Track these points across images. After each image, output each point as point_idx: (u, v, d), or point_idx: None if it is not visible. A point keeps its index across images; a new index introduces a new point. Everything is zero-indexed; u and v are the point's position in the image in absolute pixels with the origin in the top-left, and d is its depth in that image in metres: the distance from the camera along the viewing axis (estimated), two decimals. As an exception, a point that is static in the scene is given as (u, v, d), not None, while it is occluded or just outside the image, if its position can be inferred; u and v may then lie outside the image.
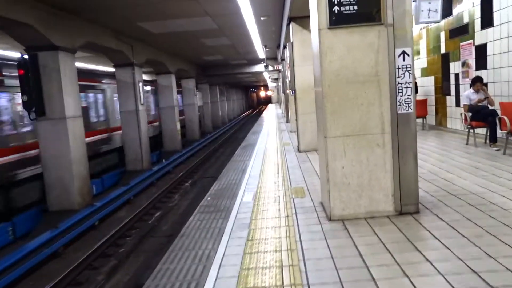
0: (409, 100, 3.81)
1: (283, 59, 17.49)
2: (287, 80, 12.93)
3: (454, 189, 4.71)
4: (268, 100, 68.77)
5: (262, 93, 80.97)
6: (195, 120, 23.03)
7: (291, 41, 8.67)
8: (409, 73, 3.79)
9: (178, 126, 18.71)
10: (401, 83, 3.80)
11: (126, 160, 14.01)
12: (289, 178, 6.15)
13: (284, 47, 13.53)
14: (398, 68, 3.78)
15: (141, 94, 13.85)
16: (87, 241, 7.99)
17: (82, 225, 8.31)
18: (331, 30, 3.79)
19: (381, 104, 3.81)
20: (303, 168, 6.89)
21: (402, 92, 3.80)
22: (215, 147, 21.64)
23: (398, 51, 3.78)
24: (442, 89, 9.92)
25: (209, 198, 5.40)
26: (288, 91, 13.56)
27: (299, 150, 8.80)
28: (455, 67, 9.15)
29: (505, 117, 6.30)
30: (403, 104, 3.81)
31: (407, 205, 3.93)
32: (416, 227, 3.60)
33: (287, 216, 4.24)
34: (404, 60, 3.78)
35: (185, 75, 22.55)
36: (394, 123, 3.83)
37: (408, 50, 3.78)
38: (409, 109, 3.82)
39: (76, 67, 9.73)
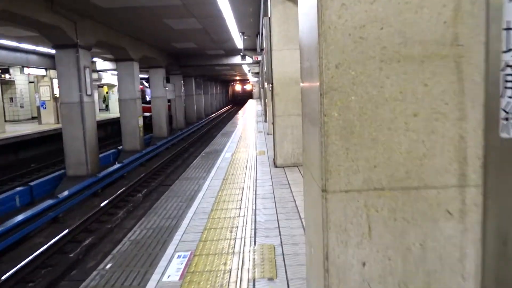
0: (530, 108, 1.56)
1: (262, 49, 15.22)
2: (264, 71, 10.70)
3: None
4: (248, 96, 61.95)
5: (241, 87, 70.49)
6: (163, 115, 20.49)
7: (269, 15, 6.37)
8: (536, 41, 1.54)
9: (140, 121, 16.22)
10: (514, 66, 1.55)
11: (66, 163, 11.47)
12: (254, 220, 3.88)
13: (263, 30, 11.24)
14: (509, 29, 1.53)
15: (88, 83, 11.33)
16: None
17: (-36, 265, 5.87)
18: None
19: (462, 115, 1.55)
20: (278, 198, 4.62)
21: (515, 88, 1.56)
22: (185, 146, 19.21)
23: (512, -15, 1.52)
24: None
25: (108, 267, 3.08)
26: (266, 85, 11.30)
27: (275, 165, 6.53)
28: None
29: None
30: (516, 118, 1.57)
31: None
32: None
33: None
34: (524, 9, 1.53)
35: (153, 64, 20.00)
36: (492, 161, 1.59)
37: (534, -16, 1.52)
38: (530, 130, 1.57)
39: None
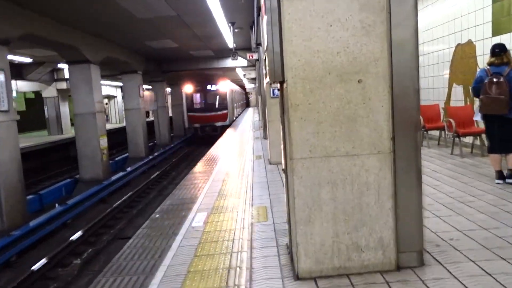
0: None
1: (259, 44, 11.61)
2: (263, 69, 7.08)
3: None
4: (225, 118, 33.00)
5: (204, 95, 25.63)
6: (139, 130, 16.77)
7: None
8: None
9: (103, 142, 12.52)
10: None
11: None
12: None
13: (259, 11, 7.62)
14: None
15: (2, 93, 7.66)
16: None
17: None
18: None
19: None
20: None
21: None
22: (166, 169, 15.51)
23: None
24: None
25: None
26: (265, 86, 7.61)
27: (296, 273, 2.83)
28: None
29: None
30: None
31: None
32: None
33: None
34: None
35: (126, 69, 16.37)
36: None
37: None
38: None
39: None
